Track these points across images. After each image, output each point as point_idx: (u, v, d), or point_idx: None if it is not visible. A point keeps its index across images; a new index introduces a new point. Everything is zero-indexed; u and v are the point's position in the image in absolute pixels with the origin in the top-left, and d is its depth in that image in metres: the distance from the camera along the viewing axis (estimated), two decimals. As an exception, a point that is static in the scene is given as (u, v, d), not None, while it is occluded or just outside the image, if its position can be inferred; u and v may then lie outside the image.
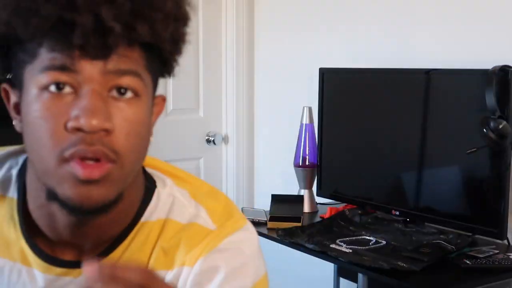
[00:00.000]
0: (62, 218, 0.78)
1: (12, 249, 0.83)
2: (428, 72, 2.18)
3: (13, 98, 0.80)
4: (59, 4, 0.70)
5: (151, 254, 0.84)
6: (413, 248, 1.97)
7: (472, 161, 2.02)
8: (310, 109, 2.59)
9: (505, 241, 2.02)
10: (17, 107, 0.79)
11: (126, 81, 0.75)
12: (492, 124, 1.85)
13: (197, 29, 3.13)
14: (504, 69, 1.91)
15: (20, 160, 0.87)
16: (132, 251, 0.84)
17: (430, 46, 2.37)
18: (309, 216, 2.47)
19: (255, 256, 0.87)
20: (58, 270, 0.83)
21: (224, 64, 3.22)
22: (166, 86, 3.03)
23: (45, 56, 0.73)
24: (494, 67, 1.91)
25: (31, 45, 0.73)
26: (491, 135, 1.85)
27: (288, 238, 2.15)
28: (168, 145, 2.93)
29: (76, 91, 0.73)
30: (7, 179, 0.85)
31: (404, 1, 2.48)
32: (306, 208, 2.53)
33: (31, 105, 0.74)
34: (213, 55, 3.19)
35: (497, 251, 1.94)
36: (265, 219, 2.36)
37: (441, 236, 2.08)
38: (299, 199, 2.53)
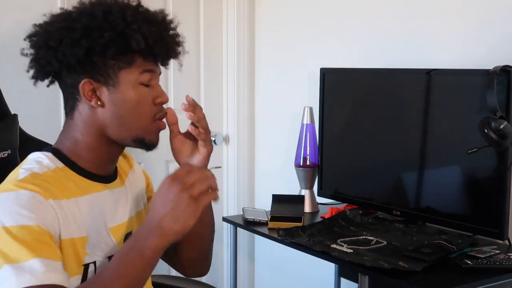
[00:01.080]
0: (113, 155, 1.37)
1: (84, 190, 1.30)
2: (429, 72, 2.18)
3: (98, 88, 1.28)
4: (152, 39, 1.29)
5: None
6: (414, 248, 1.97)
7: (473, 161, 2.02)
8: (311, 109, 2.60)
9: (506, 241, 2.02)
10: (95, 93, 1.29)
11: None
12: (493, 124, 1.85)
13: (198, 29, 3.13)
14: (505, 70, 1.91)
15: (42, 153, 1.32)
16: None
17: (431, 46, 2.37)
18: (310, 216, 2.48)
19: None
20: (113, 184, 1.37)
21: (225, 64, 3.23)
22: (167, 86, 3.03)
23: (140, 64, 1.29)
24: (495, 68, 1.91)
25: (126, 57, 1.28)
26: (492, 135, 1.85)
27: (288, 238, 2.15)
28: (168, 145, 2.92)
29: (151, 83, 1.32)
30: (52, 159, 1.30)
31: (404, 1, 2.48)
32: (307, 208, 2.53)
33: (130, 92, 1.29)
34: (214, 55, 3.20)
35: (498, 251, 1.94)
36: (266, 219, 2.36)
37: (442, 236, 2.08)
38: (300, 199, 2.53)
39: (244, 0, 3.16)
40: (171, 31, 1.34)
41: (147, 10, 1.32)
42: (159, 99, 1.33)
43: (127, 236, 1.36)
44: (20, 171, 1.26)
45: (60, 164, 1.30)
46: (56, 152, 1.32)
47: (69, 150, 1.32)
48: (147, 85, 1.31)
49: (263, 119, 3.23)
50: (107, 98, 1.29)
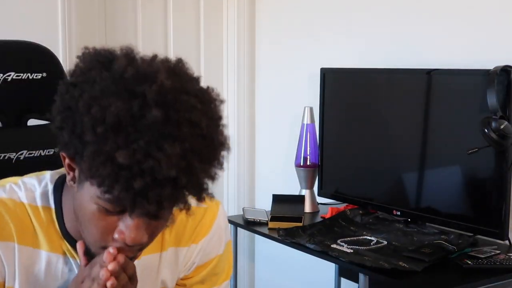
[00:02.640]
0: None
1: (57, 245, 1.10)
2: (429, 72, 2.18)
3: (73, 168, 1.01)
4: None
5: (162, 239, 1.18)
6: (414, 248, 1.97)
7: (473, 162, 2.02)
8: (311, 109, 2.59)
9: (507, 242, 2.02)
10: (70, 167, 1.01)
11: (160, 221, 1.00)
12: (493, 124, 1.85)
13: (198, 29, 3.13)
14: (505, 70, 1.91)
15: (50, 179, 1.12)
16: None
17: (431, 46, 2.37)
18: (310, 216, 2.47)
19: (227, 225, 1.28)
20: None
21: (226, 64, 3.23)
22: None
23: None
24: (496, 68, 1.91)
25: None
26: (493, 135, 1.85)
27: (289, 238, 2.15)
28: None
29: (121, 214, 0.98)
30: (45, 193, 1.10)
31: (405, 1, 2.48)
32: (307, 208, 2.53)
33: (88, 203, 0.98)
34: (214, 55, 3.19)
35: (499, 252, 1.94)
36: (266, 219, 2.36)
37: (442, 236, 2.08)
38: (300, 199, 2.52)
39: (244, 0, 3.16)
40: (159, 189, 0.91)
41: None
42: (121, 235, 0.98)
43: None
44: (3, 188, 1.11)
45: (51, 205, 1.11)
46: (57, 190, 1.11)
47: (66, 208, 1.11)
48: (111, 213, 0.98)
49: (264, 119, 3.23)
50: (75, 183, 1.02)
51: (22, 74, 1.78)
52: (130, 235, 0.96)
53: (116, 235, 0.98)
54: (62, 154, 1.02)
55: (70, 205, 1.07)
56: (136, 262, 1.06)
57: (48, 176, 1.13)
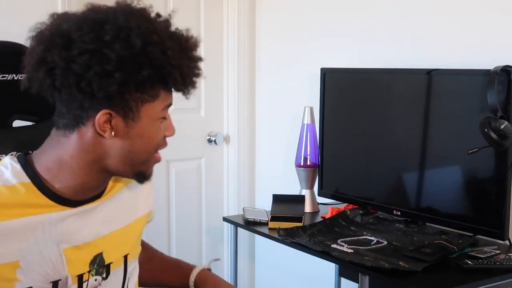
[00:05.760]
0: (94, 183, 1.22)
1: (45, 208, 1.17)
2: (429, 72, 2.18)
3: (115, 118, 1.14)
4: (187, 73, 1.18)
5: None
6: (414, 248, 1.98)
7: (473, 162, 2.02)
8: (311, 109, 2.59)
9: (507, 242, 2.02)
10: (110, 123, 1.14)
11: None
12: (493, 124, 1.85)
13: (199, 29, 3.13)
14: (505, 70, 1.91)
15: (12, 161, 1.21)
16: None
17: (431, 46, 2.37)
18: (310, 216, 2.47)
19: None
20: (87, 206, 1.23)
21: (226, 64, 3.23)
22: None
23: (163, 98, 1.18)
24: (496, 68, 1.92)
25: (153, 90, 1.15)
26: (493, 135, 1.85)
27: (289, 238, 2.15)
28: (169, 145, 2.91)
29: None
30: (16, 172, 1.18)
31: (405, 1, 2.48)
32: (308, 208, 2.53)
33: (149, 128, 1.18)
34: (214, 55, 3.20)
35: (499, 252, 1.94)
36: (267, 219, 2.36)
37: (443, 236, 2.08)
38: (300, 199, 2.53)
39: (244, 0, 3.16)
40: (198, 62, 1.21)
41: (181, 37, 1.17)
42: (168, 133, 1.25)
43: (97, 257, 1.25)
44: None
45: (25, 179, 1.17)
46: (27, 164, 1.19)
47: (45, 167, 1.19)
48: (163, 119, 1.22)
49: (264, 119, 3.23)
50: (122, 130, 1.15)
51: (7, 75, 1.78)
52: (173, 127, 1.26)
53: (167, 132, 1.25)
54: (104, 114, 1.13)
55: (55, 169, 1.19)
56: (80, 215, 1.23)
57: (8, 159, 1.21)
